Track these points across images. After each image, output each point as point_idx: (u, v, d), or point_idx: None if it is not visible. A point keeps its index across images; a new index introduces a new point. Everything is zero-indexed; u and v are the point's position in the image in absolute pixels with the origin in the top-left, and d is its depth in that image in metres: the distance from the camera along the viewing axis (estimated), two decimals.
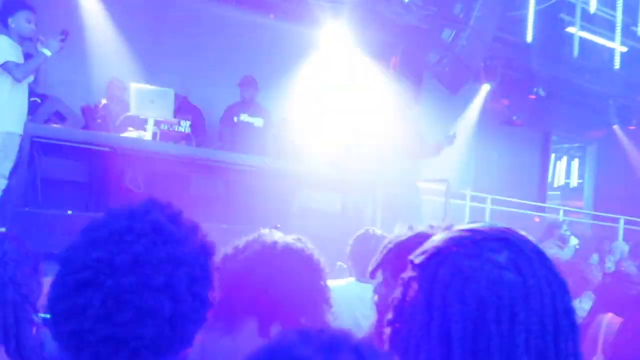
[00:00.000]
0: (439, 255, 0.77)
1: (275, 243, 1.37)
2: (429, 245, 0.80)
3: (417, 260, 0.78)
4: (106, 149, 4.28)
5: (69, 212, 4.22)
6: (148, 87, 4.70)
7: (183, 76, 5.71)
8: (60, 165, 5.48)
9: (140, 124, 4.69)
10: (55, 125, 4.32)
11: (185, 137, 5.18)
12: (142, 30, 6.11)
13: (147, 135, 4.45)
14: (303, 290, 1.34)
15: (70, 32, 4.40)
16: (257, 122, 5.72)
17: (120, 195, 5.57)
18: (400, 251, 1.20)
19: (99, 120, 4.52)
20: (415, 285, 0.77)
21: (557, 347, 0.71)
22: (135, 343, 0.78)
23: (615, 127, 9.54)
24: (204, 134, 5.59)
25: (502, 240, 0.76)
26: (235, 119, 5.69)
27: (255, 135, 5.67)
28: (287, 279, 1.32)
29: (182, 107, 5.44)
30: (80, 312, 0.78)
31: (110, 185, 5.58)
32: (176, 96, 5.40)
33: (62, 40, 3.88)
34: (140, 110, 4.56)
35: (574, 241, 5.43)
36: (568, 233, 5.89)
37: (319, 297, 1.39)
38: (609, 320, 2.29)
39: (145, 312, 0.78)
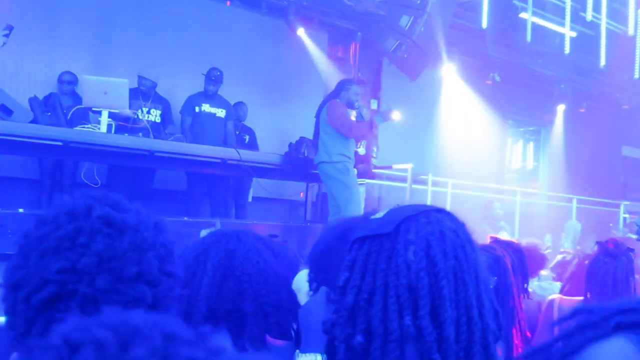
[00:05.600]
0: (407, 221, 0.83)
1: None
2: (384, 219, 0.85)
3: (385, 230, 0.83)
4: (57, 143, 4.08)
5: (20, 210, 4.02)
6: (100, 78, 4.51)
7: (139, 66, 5.52)
8: (8, 162, 5.22)
9: (94, 116, 4.51)
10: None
11: (152, 127, 5.06)
12: (95, 21, 5.86)
13: (101, 127, 4.28)
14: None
15: (14, 26, 4.19)
16: (220, 112, 5.65)
17: (76, 192, 5.37)
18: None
19: (49, 114, 4.31)
20: (384, 253, 0.81)
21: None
22: None
23: (562, 110, 9.85)
24: (171, 125, 5.49)
25: (445, 213, 0.88)
26: (197, 109, 5.59)
27: (218, 125, 5.59)
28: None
29: (152, 96, 5.31)
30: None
31: (63, 181, 5.37)
32: (145, 81, 5.24)
33: (6, 36, 3.66)
34: (93, 102, 4.38)
35: (504, 235, 5.59)
36: (501, 212, 6.03)
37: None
38: (559, 301, 2.35)
39: (129, 305, 0.74)
